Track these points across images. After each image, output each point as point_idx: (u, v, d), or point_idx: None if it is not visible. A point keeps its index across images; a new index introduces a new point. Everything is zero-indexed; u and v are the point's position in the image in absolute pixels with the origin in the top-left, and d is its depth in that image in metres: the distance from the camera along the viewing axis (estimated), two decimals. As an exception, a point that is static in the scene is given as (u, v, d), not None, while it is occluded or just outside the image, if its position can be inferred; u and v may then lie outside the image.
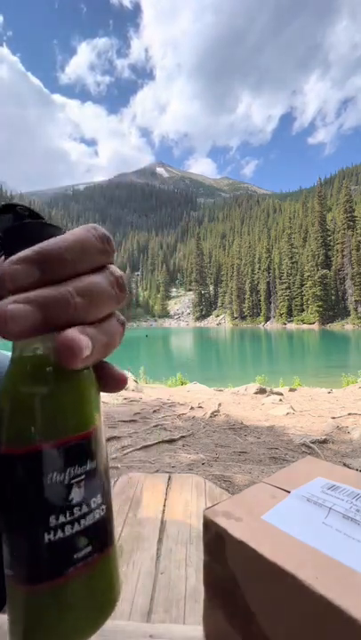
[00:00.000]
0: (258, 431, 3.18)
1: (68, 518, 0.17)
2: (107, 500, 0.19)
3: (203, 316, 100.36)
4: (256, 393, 5.23)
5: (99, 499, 0.18)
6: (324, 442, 2.77)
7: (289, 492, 0.22)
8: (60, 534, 0.17)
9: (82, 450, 0.18)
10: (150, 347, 29.64)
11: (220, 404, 4.21)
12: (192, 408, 3.98)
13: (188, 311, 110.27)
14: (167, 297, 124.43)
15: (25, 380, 0.18)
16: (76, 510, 0.17)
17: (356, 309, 61.61)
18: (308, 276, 66.68)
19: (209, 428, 3.29)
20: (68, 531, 0.17)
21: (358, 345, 26.71)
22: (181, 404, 4.18)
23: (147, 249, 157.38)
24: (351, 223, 66.60)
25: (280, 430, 3.19)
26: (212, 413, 3.78)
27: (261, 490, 0.23)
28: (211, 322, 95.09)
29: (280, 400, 4.66)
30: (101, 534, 0.18)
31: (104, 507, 0.19)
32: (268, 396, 5.03)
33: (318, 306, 63.24)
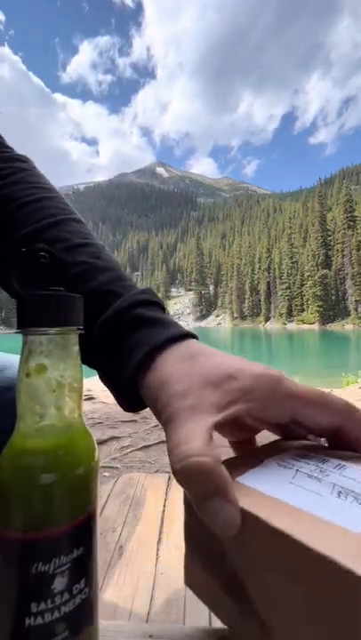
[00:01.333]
0: (258, 431, 3.19)
1: (49, 606, 0.17)
2: (90, 582, 0.19)
3: (203, 316, 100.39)
4: (256, 393, 5.22)
5: (82, 584, 0.19)
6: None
7: (263, 460, 0.24)
8: (39, 620, 0.17)
9: (70, 539, 0.18)
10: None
11: (220, 404, 4.20)
12: (192, 408, 3.98)
13: (188, 311, 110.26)
14: (167, 297, 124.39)
15: (20, 470, 0.17)
16: (57, 599, 0.17)
17: (356, 309, 61.62)
18: (309, 275, 66.70)
19: (209, 428, 3.29)
20: (48, 617, 0.17)
21: (358, 345, 26.71)
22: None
23: (147, 249, 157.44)
24: (351, 223, 66.61)
25: (280, 430, 3.19)
26: (212, 413, 3.77)
27: (238, 460, 0.24)
28: (211, 322, 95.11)
29: (280, 400, 4.66)
30: (80, 618, 0.19)
31: (87, 590, 0.19)
32: (268, 396, 5.02)
33: (318, 306, 63.26)
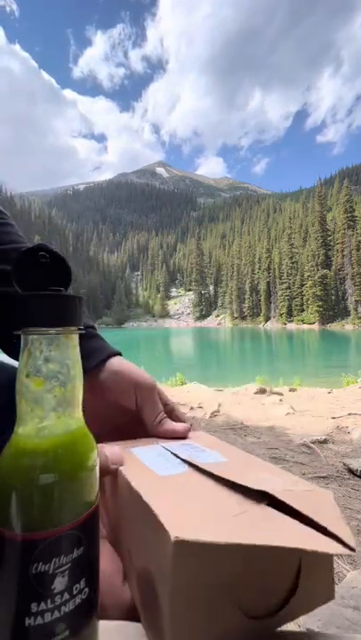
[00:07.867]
0: (258, 431, 3.18)
1: (49, 606, 0.17)
2: (90, 582, 0.19)
3: (203, 316, 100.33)
4: (256, 393, 5.23)
5: (82, 584, 0.19)
6: (325, 442, 2.77)
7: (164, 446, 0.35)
8: (39, 620, 0.17)
9: (71, 539, 0.18)
10: (150, 346, 29.62)
11: (220, 404, 4.20)
12: (192, 408, 3.98)
13: (188, 311, 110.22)
14: (167, 297, 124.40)
15: (20, 470, 0.18)
16: (57, 599, 0.17)
17: (356, 309, 61.59)
18: (309, 276, 66.65)
19: (209, 428, 3.28)
20: (48, 617, 0.17)
21: (358, 345, 26.70)
22: (181, 405, 4.17)
23: (147, 249, 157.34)
24: (351, 223, 66.59)
25: (280, 430, 3.19)
26: (212, 413, 3.77)
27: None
28: (211, 322, 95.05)
29: (280, 400, 4.66)
30: (80, 618, 0.19)
31: (87, 590, 0.19)
32: (268, 395, 5.03)
33: (318, 306, 63.22)
